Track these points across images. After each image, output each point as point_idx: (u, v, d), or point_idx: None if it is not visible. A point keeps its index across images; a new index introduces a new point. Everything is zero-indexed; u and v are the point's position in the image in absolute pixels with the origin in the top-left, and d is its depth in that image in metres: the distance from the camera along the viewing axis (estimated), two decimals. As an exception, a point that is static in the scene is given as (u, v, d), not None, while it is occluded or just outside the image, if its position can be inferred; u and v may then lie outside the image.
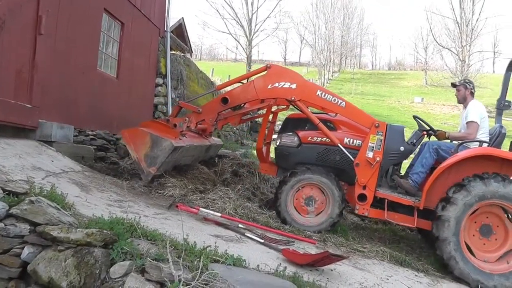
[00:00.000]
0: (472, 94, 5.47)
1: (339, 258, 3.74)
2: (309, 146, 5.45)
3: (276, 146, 5.73)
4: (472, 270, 4.46)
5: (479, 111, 5.22)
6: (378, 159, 5.05)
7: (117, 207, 4.14)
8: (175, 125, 5.41)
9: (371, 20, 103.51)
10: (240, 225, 4.44)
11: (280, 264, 3.34)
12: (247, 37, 35.29)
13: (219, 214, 4.52)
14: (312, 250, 4.32)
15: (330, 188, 5.14)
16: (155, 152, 5.23)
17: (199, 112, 5.48)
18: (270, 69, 5.42)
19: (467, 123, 5.22)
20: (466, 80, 5.59)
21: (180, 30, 17.91)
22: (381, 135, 5.12)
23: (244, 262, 3.13)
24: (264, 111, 6.08)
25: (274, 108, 6.06)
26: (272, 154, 6.30)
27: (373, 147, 5.09)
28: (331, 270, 3.80)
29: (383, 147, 5.11)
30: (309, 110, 5.39)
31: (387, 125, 5.21)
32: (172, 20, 15.10)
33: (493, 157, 4.74)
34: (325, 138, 5.37)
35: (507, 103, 5.41)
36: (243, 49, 36.29)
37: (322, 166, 5.33)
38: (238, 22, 35.43)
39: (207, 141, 6.49)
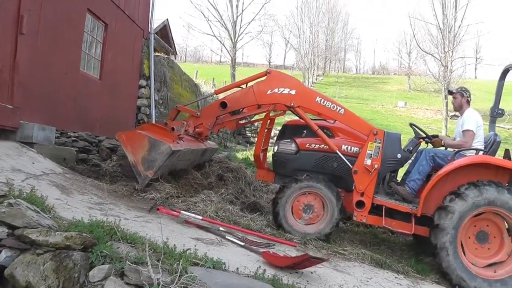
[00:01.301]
0: (468, 102, 5.56)
1: (319, 260, 3.78)
2: (307, 153, 5.48)
3: (273, 152, 5.74)
4: (460, 266, 4.54)
5: (475, 120, 5.31)
6: (376, 166, 5.09)
7: (97, 210, 4.12)
8: (173, 129, 5.39)
9: (356, 25, 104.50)
10: (221, 228, 4.45)
11: (260, 266, 3.36)
12: (231, 39, 35.23)
13: (200, 217, 4.53)
14: (293, 253, 4.36)
15: (329, 197, 5.15)
16: (153, 156, 5.19)
17: (197, 116, 5.48)
18: (270, 75, 5.43)
19: (463, 131, 5.32)
20: (463, 88, 5.66)
21: (164, 32, 17.85)
22: (379, 143, 5.16)
23: (224, 265, 3.14)
24: (261, 115, 6.09)
25: (271, 113, 6.09)
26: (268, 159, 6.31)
27: (371, 154, 5.13)
28: (311, 273, 3.82)
29: (381, 155, 5.16)
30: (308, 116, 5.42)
31: (384, 132, 5.27)
32: (156, 22, 15.08)
33: (489, 165, 4.85)
34: (323, 145, 5.40)
35: (500, 111, 5.55)
36: (228, 51, 36.20)
37: (320, 173, 5.36)
38: (222, 25, 35.33)
39: (203, 145, 6.47)
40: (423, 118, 34.23)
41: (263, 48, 71.84)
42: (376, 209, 5.19)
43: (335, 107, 5.35)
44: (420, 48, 33.15)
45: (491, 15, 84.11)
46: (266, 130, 6.17)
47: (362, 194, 5.11)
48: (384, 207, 5.11)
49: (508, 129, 28.10)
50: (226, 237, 4.28)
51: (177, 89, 11.97)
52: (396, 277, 4.52)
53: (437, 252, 4.63)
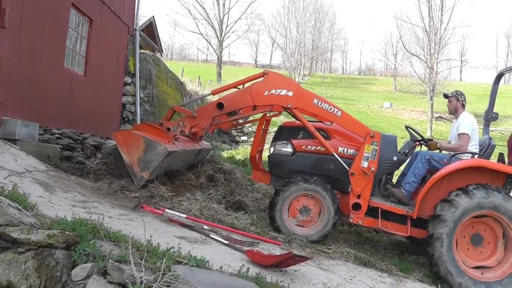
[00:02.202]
0: (463, 106, 5.62)
1: (303, 259, 3.82)
2: (303, 154, 5.49)
3: (270, 154, 5.74)
4: (450, 260, 4.61)
5: (470, 123, 5.37)
6: (373, 169, 5.12)
7: (81, 207, 4.09)
8: (168, 129, 5.33)
9: (343, 25, 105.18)
10: (205, 227, 4.45)
11: (244, 265, 3.37)
12: (218, 38, 35.22)
13: (185, 216, 4.52)
14: (277, 251, 4.37)
15: (326, 200, 5.16)
16: (149, 157, 5.12)
17: (193, 116, 5.44)
18: (267, 76, 5.41)
19: (458, 134, 5.38)
20: (458, 92, 5.70)
21: (150, 29, 17.73)
22: (376, 145, 5.19)
23: (208, 264, 3.14)
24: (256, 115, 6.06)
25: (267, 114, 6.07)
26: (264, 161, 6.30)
27: (368, 157, 5.16)
28: (295, 271, 3.85)
29: (378, 157, 5.19)
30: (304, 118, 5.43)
31: (381, 135, 5.31)
32: (142, 19, 14.97)
33: (484, 169, 4.92)
34: (319, 147, 5.41)
35: (494, 115, 5.66)
36: (214, 50, 36.18)
37: (316, 174, 5.37)
38: (209, 23, 35.33)
39: (198, 145, 6.41)
40: (409, 119, 34.60)
41: (250, 47, 71.96)
42: (372, 211, 5.21)
43: (333, 109, 5.38)
44: (406, 49, 33.56)
45: (476, 18, 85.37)
46: (261, 131, 6.15)
47: (358, 196, 5.12)
48: (380, 209, 5.14)
49: (501, 131, 28.48)
50: (210, 235, 4.28)
51: (163, 86, 11.92)
52: (379, 276, 4.57)
53: (431, 241, 4.69)
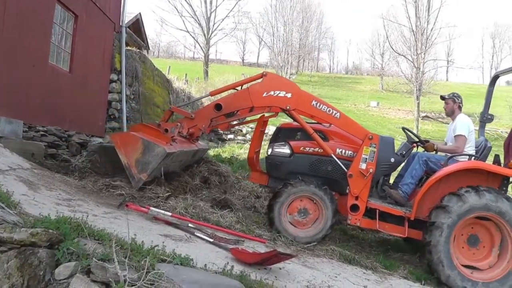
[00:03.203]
0: (460, 108, 5.67)
1: (287, 256, 3.84)
2: (301, 156, 5.49)
3: (267, 155, 5.74)
4: (445, 252, 4.67)
5: (467, 125, 5.43)
6: (371, 170, 5.14)
7: (65, 206, 4.06)
8: (166, 130, 5.30)
9: (330, 24, 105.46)
10: (190, 225, 4.45)
11: (228, 263, 3.39)
12: (205, 35, 35.08)
13: (170, 214, 4.52)
14: (262, 249, 4.38)
15: (324, 201, 5.17)
16: (147, 158, 5.09)
17: (191, 118, 5.42)
18: (266, 77, 5.42)
19: (455, 136, 5.43)
20: (455, 94, 5.75)
21: (137, 26, 17.59)
22: (374, 147, 5.22)
23: (192, 262, 3.15)
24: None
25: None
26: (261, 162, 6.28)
27: (366, 158, 5.18)
28: (280, 269, 3.87)
29: (376, 159, 5.22)
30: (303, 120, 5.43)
31: (379, 137, 5.34)
32: (129, 15, 14.87)
33: (481, 170, 4.99)
34: (317, 148, 5.42)
35: (490, 116, 5.74)
36: (201, 47, 36.03)
37: (314, 176, 5.38)
38: (196, 20, 35.18)
39: (195, 146, 6.38)
40: (395, 118, 34.90)
41: (237, 45, 71.86)
42: (369, 212, 5.24)
43: (331, 111, 5.39)
44: (393, 49, 33.77)
45: (462, 19, 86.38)
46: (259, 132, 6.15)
47: (356, 198, 5.15)
48: (377, 210, 5.16)
49: (487, 131, 28.86)
50: (195, 233, 4.28)
51: (149, 84, 11.87)
52: (364, 273, 4.62)
53: (431, 229, 4.74)
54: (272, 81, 5.41)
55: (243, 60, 72.42)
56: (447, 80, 60.62)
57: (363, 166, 5.16)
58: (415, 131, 28.29)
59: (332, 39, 73.59)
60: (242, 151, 13.58)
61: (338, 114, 5.41)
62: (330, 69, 78.54)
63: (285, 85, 5.44)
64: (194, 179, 6.33)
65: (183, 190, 5.79)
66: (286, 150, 5.55)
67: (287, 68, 46.68)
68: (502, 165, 5.28)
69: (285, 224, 5.17)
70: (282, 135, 5.78)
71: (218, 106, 5.33)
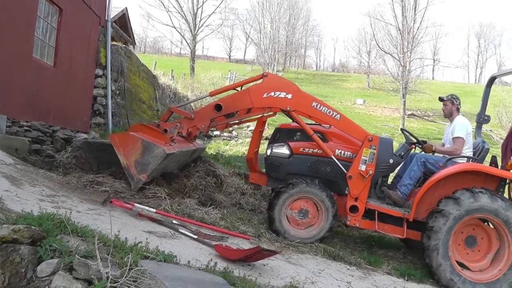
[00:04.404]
0: (458, 109, 5.75)
1: (271, 253, 3.88)
2: (300, 157, 5.51)
3: (266, 156, 5.74)
4: (445, 241, 4.76)
5: (465, 127, 5.50)
6: (370, 172, 5.19)
7: (49, 202, 4.03)
8: (165, 131, 5.27)
9: (317, 22, 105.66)
10: (174, 221, 4.45)
11: (212, 259, 3.41)
12: (191, 31, 34.81)
13: (154, 210, 4.50)
14: (246, 245, 4.41)
15: (324, 203, 5.19)
16: (146, 159, 5.04)
17: (191, 118, 5.40)
18: (266, 78, 5.43)
19: (453, 138, 5.50)
20: (454, 96, 5.82)
21: (123, 21, 17.41)
22: (374, 149, 5.25)
23: (175, 258, 3.16)
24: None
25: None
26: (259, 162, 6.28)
27: (366, 160, 5.22)
28: (264, 265, 3.91)
29: (376, 161, 5.25)
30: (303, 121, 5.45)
31: (379, 138, 5.37)
32: (115, 10, 14.72)
33: (478, 172, 5.06)
34: (316, 149, 5.43)
35: (486, 117, 5.81)
36: (188, 43, 35.77)
37: (313, 177, 5.39)
38: (183, 16, 34.84)
39: (193, 146, 6.33)
40: (381, 116, 35.17)
41: (224, 41, 71.51)
42: (367, 213, 5.29)
43: (331, 112, 5.43)
44: (380, 47, 33.99)
45: (448, 18, 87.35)
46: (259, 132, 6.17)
47: (356, 199, 5.20)
48: (376, 211, 5.21)
49: (473, 129, 29.20)
50: (180, 230, 4.29)
51: (135, 79, 11.78)
52: (348, 269, 4.68)
53: (436, 216, 4.82)
54: (272, 82, 5.43)
55: (229, 56, 72.31)
56: (433, 78, 61.32)
57: (363, 167, 5.21)
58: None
59: (319, 36, 73.87)
60: (228, 148, 13.61)
61: (339, 115, 5.45)
62: (316, 66, 78.84)
63: (286, 86, 5.45)
64: (190, 178, 6.24)
65: (181, 193, 5.74)
66: (285, 151, 5.56)
67: (274, 65, 46.74)
68: (499, 166, 5.37)
69: (284, 224, 5.19)
70: (281, 135, 5.79)
71: (218, 107, 5.32)
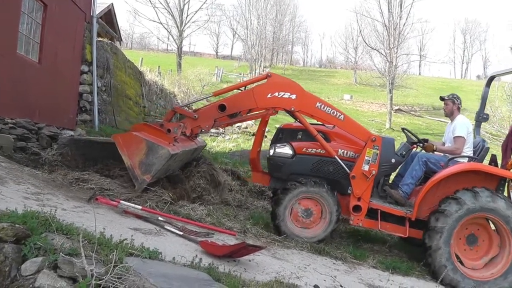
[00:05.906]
0: (459, 109, 5.80)
1: (256, 248, 3.92)
2: (303, 157, 5.50)
3: (269, 156, 5.74)
4: (450, 230, 4.83)
5: (466, 126, 5.55)
6: (373, 172, 5.22)
7: (34, 200, 4.02)
8: (169, 130, 5.23)
9: (304, 18, 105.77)
10: (160, 218, 4.46)
11: (197, 256, 3.44)
12: (178, 27, 34.59)
13: (140, 207, 4.52)
14: (232, 241, 4.44)
15: (328, 202, 5.21)
16: (151, 160, 4.98)
17: (195, 118, 5.39)
18: (271, 78, 5.43)
19: (454, 137, 5.55)
20: (454, 96, 5.86)
21: (109, 17, 17.20)
22: (377, 149, 5.29)
23: (160, 255, 3.18)
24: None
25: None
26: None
27: (369, 160, 5.25)
28: (249, 261, 3.94)
29: (379, 161, 5.29)
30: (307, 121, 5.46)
31: (382, 139, 5.41)
32: (101, 6, 14.55)
33: (479, 171, 5.13)
34: (319, 149, 5.45)
35: (485, 116, 5.90)
36: (174, 40, 35.55)
37: (316, 177, 5.40)
38: (169, 12, 34.59)
39: (194, 144, 6.27)
40: (368, 111, 35.46)
41: (210, 37, 71.25)
42: (370, 213, 5.32)
43: (335, 113, 5.45)
44: (366, 43, 34.27)
45: (435, 14, 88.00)
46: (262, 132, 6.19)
47: (359, 199, 5.24)
48: (379, 211, 5.26)
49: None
50: (165, 226, 4.31)
51: (121, 76, 11.70)
52: (334, 263, 4.73)
53: (446, 205, 4.90)
54: (276, 82, 5.44)
55: (217, 52, 72.13)
56: (419, 74, 61.87)
57: (366, 167, 5.25)
58: (388, 124, 28.94)
59: (306, 32, 74.18)
60: (215, 144, 13.63)
61: (342, 116, 5.47)
62: (304, 62, 78.99)
63: (290, 86, 5.46)
64: (190, 180, 6.18)
65: (186, 195, 5.74)
66: (288, 151, 5.56)
67: (261, 62, 46.79)
68: (499, 165, 5.45)
69: (289, 223, 5.21)
70: (284, 135, 5.80)
71: (222, 107, 5.32)
